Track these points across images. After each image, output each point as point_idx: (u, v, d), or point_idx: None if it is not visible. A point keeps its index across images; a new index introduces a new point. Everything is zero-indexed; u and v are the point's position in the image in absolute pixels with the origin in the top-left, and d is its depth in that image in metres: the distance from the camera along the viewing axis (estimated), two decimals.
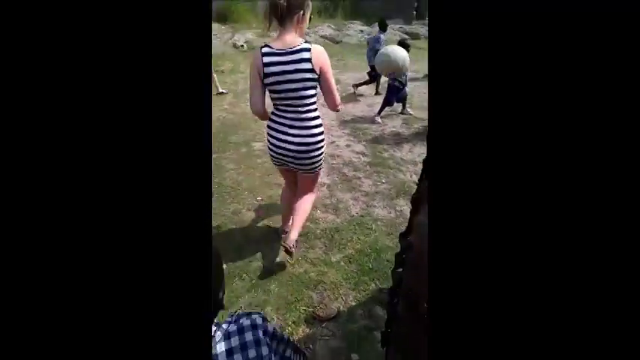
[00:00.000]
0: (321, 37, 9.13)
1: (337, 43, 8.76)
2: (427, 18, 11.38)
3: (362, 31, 9.91)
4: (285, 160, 1.74)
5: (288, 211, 2.09)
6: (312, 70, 1.52)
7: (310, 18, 1.62)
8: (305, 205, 1.93)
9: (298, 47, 1.51)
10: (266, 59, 1.52)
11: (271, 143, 1.72)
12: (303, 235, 2.20)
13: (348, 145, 3.50)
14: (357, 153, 3.35)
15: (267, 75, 1.53)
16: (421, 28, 10.38)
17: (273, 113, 1.69)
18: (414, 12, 11.59)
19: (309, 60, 1.51)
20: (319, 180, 2.24)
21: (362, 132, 3.82)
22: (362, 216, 2.46)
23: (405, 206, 2.53)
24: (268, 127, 1.73)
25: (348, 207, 2.55)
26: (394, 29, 10.26)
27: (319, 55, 1.54)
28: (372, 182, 2.88)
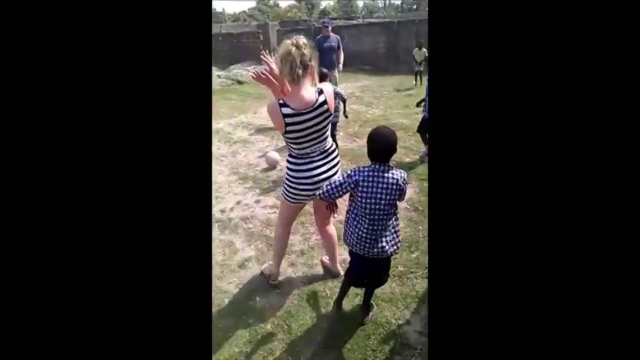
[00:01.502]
0: None
1: None
2: (273, 57, 11.86)
3: (219, 75, 9.38)
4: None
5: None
6: None
7: None
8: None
9: None
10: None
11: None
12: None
13: (257, 202, 2.97)
14: (272, 207, 2.86)
15: None
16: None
17: None
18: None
19: None
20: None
21: (265, 181, 3.34)
22: (308, 282, 2.00)
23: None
24: None
25: (292, 280, 2.04)
26: (249, 69, 10.16)
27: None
28: (302, 237, 2.44)
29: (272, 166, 3.62)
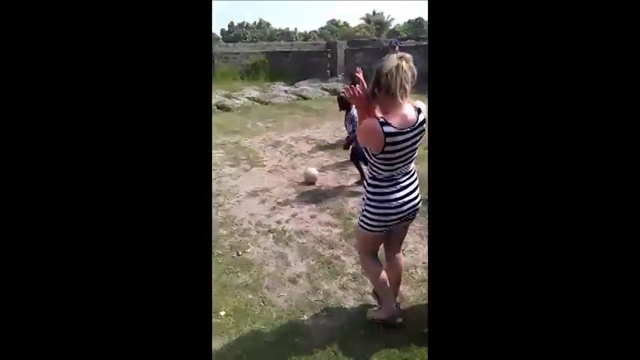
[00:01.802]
0: (249, 98, 8.79)
1: (266, 104, 8.49)
2: (339, 75, 12.25)
3: (286, 91, 9.87)
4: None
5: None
6: None
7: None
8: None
9: None
10: None
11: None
12: None
13: (313, 217, 2.97)
14: (326, 224, 2.84)
15: None
16: (337, 84, 10.76)
17: None
18: (328, 71, 12.12)
19: None
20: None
21: (322, 197, 3.35)
22: (360, 309, 1.90)
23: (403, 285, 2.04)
24: None
25: (342, 305, 1.97)
26: (314, 86, 10.49)
27: None
28: (355, 260, 2.36)
29: (309, 182, 3.66)
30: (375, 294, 1.96)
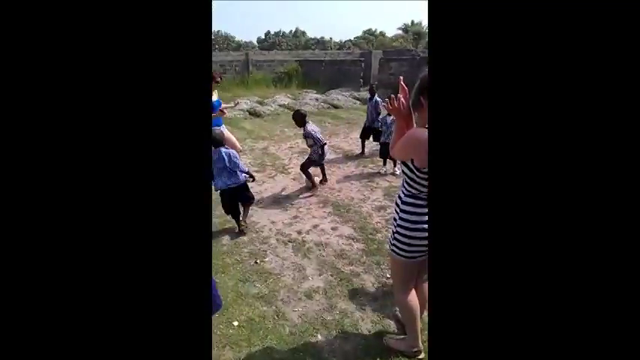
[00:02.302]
0: (280, 105, 8.94)
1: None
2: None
3: (317, 99, 9.96)
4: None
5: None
6: None
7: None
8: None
9: None
10: None
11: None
12: None
13: (334, 229, 2.91)
14: (347, 238, 2.76)
15: None
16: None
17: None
18: (361, 80, 12.10)
19: None
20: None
21: (345, 208, 3.28)
22: (377, 334, 1.80)
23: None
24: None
25: (358, 326, 1.88)
26: (345, 95, 10.49)
27: None
28: (375, 280, 2.26)
29: (309, 184, 3.76)
30: (397, 319, 1.85)
